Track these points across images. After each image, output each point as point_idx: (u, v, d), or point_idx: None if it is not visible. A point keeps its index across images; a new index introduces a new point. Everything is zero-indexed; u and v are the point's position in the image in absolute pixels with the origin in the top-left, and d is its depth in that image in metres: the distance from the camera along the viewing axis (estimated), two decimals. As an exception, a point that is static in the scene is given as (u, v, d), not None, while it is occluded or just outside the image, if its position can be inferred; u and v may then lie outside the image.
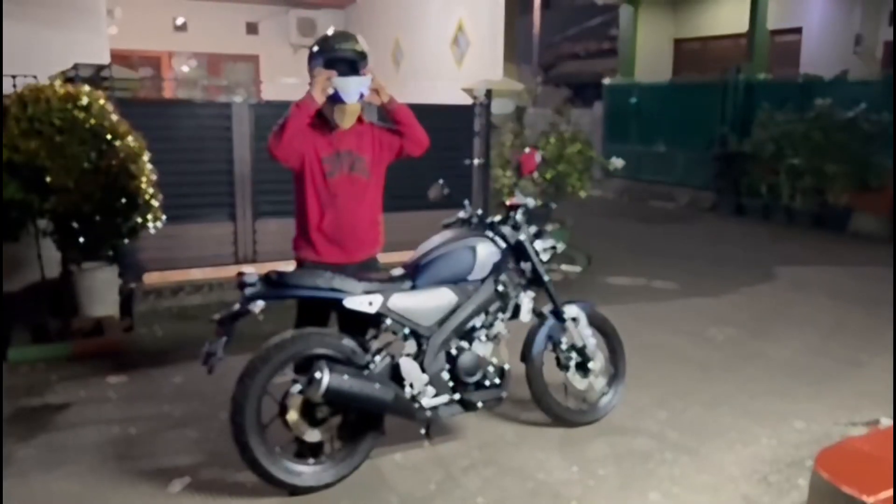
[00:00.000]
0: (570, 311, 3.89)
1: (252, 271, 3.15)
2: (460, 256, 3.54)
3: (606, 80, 15.97)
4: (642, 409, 4.25)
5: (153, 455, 3.61)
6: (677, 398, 4.45)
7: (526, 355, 3.82)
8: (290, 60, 12.89)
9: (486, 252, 3.60)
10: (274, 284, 3.14)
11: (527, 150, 7.00)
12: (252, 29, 12.78)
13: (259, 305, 3.10)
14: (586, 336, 3.92)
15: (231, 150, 6.58)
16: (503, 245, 3.71)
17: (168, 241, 6.12)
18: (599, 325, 4.04)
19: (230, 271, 6.75)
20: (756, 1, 12.55)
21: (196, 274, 6.58)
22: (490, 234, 3.71)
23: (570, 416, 3.93)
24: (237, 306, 3.13)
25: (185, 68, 12.83)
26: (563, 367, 3.92)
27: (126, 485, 3.33)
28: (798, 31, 14.76)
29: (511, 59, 10.16)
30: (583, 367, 3.92)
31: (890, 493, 2.26)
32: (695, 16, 16.85)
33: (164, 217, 5.18)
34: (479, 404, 3.54)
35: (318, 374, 3.06)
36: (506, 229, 3.75)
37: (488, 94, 7.26)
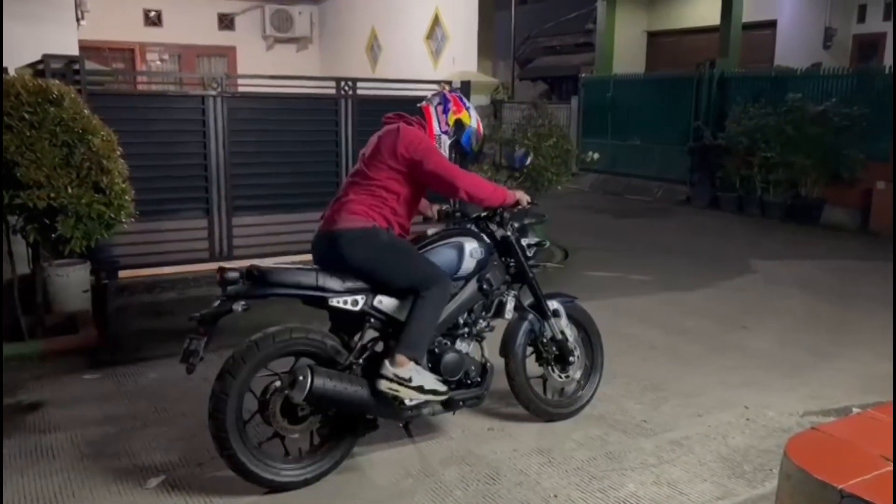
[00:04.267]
0: (552, 305, 3.88)
1: (234, 268, 3.11)
2: (447, 255, 3.51)
3: (583, 75, 16.05)
4: (619, 400, 4.29)
5: (129, 452, 3.57)
6: (653, 389, 4.49)
7: (506, 350, 3.81)
8: (265, 54, 12.79)
9: (473, 250, 3.57)
10: (257, 283, 3.09)
11: (519, 149, 7.04)
12: (227, 22, 12.65)
13: (242, 306, 3.05)
14: (567, 330, 3.92)
15: (205, 145, 6.51)
16: (489, 241, 3.68)
17: (142, 237, 6.04)
18: (579, 318, 4.04)
19: (205, 268, 6.71)
20: (730, -6, 12.67)
21: (171, 271, 6.52)
22: (476, 229, 3.69)
23: (549, 409, 3.94)
24: (217, 302, 3.08)
25: (158, 62, 12.68)
26: (544, 361, 3.92)
27: (102, 483, 3.29)
28: (772, 24, 14.93)
29: (487, 53, 10.15)
30: (562, 361, 3.92)
31: (860, 479, 2.30)
32: (668, 9, 16.98)
33: (137, 213, 5.10)
34: (461, 403, 3.53)
35: (301, 378, 3.03)
36: (492, 225, 3.72)
37: (466, 86, 7.25)
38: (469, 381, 3.57)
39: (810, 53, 13.73)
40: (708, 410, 4.21)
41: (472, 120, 3.63)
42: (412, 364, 3.26)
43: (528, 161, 4.01)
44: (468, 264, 3.56)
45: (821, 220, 10.56)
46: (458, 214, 3.83)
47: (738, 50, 12.99)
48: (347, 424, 3.30)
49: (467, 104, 3.65)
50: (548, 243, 4.03)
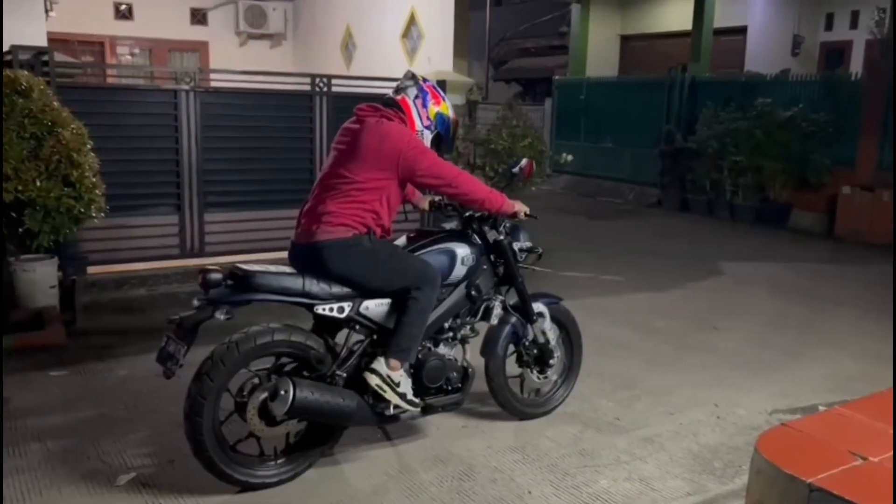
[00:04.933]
0: (537, 308, 3.86)
1: (216, 268, 3.01)
2: (439, 261, 3.44)
3: (556, 77, 16.15)
4: (591, 398, 4.32)
5: (98, 450, 3.51)
6: (625, 388, 4.53)
7: (488, 351, 3.77)
8: (238, 50, 12.67)
9: (465, 257, 3.51)
10: (240, 287, 3.00)
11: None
12: (199, 17, 12.51)
13: (225, 315, 2.97)
14: (550, 333, 3.91)
15: (178, 140, 6.43)
16: (480, 244, 3.62)
17: (111, 232, 5.95)
18: (562, 319, 4.03)
19: (176, 264, 6.63)
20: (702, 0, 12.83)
21: (140, 267, 6.42)
22: (468, 230, 3.63)
23: (525, 408, 3.95)
24: (197, 305, 2.99)
25: (129, 56, 12.49)
26: (524, 363, 3.91)
27: (70, 481, 3.23)
28: (742, 30, 15.17)
29: (463, 53, 10.17)
30: (541, 363, 3.92)
31: (828, 473, 2.34)
32: (641, 13, 17.16)
33: (107, 208, 5.03)
34: (440, 409, 3.51)
35: (283, 392, 2.97)
36: (485, 227, 3.64)
37: (442, 86, 7.25)
38: (450, 388, 3.53)
39: (779, 60, 13.98)
40: (679, 408, 4.26)
41: (450, 109, 3.52)
42: (403, 372, 3.24)
43: (524, 163, 3.88)
44: (459, 271, 3.50)
45: (788, 224, 10.74)
46: (449, 208, 3.72)
47: (709, 55, 13.16)
48: (325, 427, 3.27)
49: (442, 94, 3.53)
50: (541, 249, 3.93)
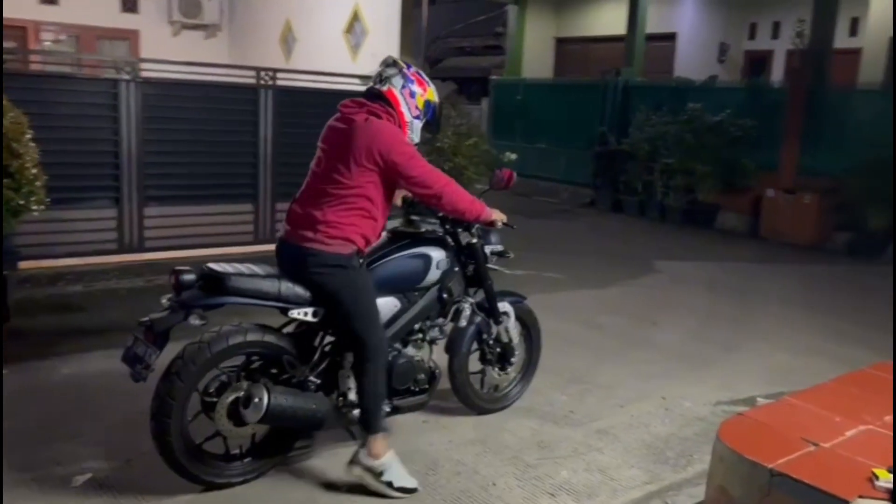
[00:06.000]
0: (502, 307, 3.90)
1: (189, 269, 2.92)
2: (413, 265, 3.43)
3: (494, 77, 16.31)
4: (545, 392, 4.41)
5: (49, 450, 3.37)
6: (576, 382, 4.66)
7: (452, 349, 3.80)
8: (171, 40, 12.27)
9: (440, 262, 3.52)
10: (214, 289, 2.91)
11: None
12: (130, 4, 12.06)
13: (199, 320, 2.89)
14: (513, 332, 3.97)
15: (117, 131, 6.23)
16: (453, 245, 3.63)
17: (45, 226, 5.71)
18: (524, 317, 4.10)
19: (113, 260, 6.42)
20: (635, 6, 13.18)
21: (76, 262, 6.19)
22: (441, 233, 3.62)
23: (485, 403, 4.02)
24: (166, 303, 2.91)
25: (48, 43, 11.93)
26: (487, 360, 3.96)
27: (21, 482, 3.09)
28: (672, 37, 15.69)
29: (408, 51, 10.16)
30: (504, 359, 3.98)
31: (786, 459, 2.49)
32: (576, 17, 17.54)
33: (48, 200, 4.83)
34: (407, 410, 3.53)
35: (256, 399, 2.91)
36: (459, 230, 3.64)
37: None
38: (417, 389, 3.54)
39: (706, 66, 14.53)
40: (628, 401, 4.41)
41: (435, 94, 3.41)
42: (388, 454, 3.17)
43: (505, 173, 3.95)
44: (433, 275, 3.50)
45: (716, 225, 11.19)
46: (422, 205, 3.62)
47: (641, 60, 13.55)
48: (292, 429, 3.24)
49: (426, 78, 3.40)
50: (511, 253, 3.98)
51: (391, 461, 3.18)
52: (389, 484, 3.14)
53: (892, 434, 2.72)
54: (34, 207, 4.64)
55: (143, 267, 6.40)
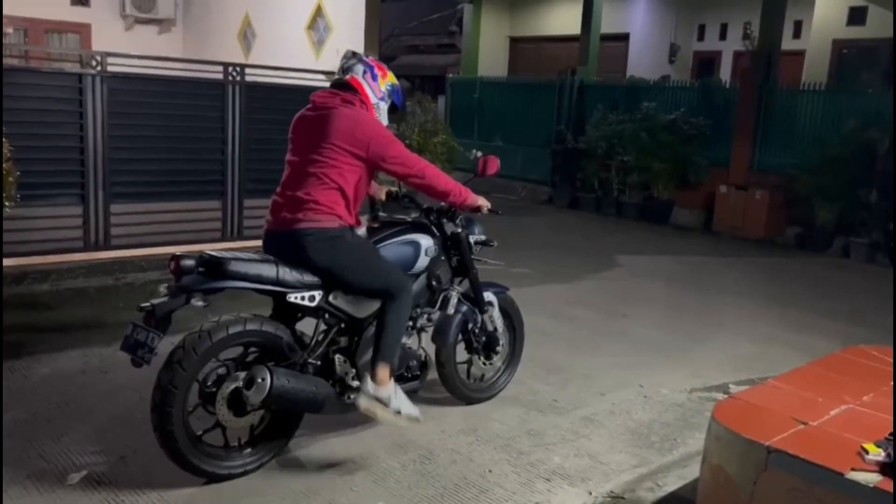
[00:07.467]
0: (487, 297, 3.99)
1: (189, 255, 2.93)
2: (403, 252, 3.49)
3: (450, 76, 16.39)
4: (528, 381, 4.51)
5: (39, 450, 3.31)
6: (556, 372, 4.77)
7: (439, 339, 3.85)
8: (124, 34, 12.01)
9: (429, 248, 3.59)
10: (214, 274, 2.92)
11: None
12: (81, -4, 11.74)
13: (201, 302, 2.90)
14: (498, 322, 4.06)
15: (82, 126, 6.10)
16: (439, 235, 3.70)
17: (9, 224, 5.54)
18: (507, 307, 4.19)
19: (79, 258, 6.28)
20: (590, 6, 13.42)
21: (41, 261, 6.03)
22: (427, 222, 3.68)
23: (472, 393, 4.09)
24: (164, 290, 2.91)
25: (-3, 35, 11.55)
26: (473, 350, 4.04)
27: (15, 481, 3.04)
28: (625, 37, 16.02)
29: (373, 47, 10.16)
30: (489, 349, 4.07)
31: (780, 436, 2.63)
32: (531, 16, 17.73)
33: (18, 196, 4.72)
34: None
35: (260, 380, 2.93)
36: (444, 219, 3.72)
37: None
38: (409, 376, 3.62)
39: (658, 66, 14.90)
40: (608, 389, 4.54)
41: (395, 78, 3.53)
42: (392, 383, 3.24)
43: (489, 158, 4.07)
44: (422, 262, 3.57)
45: (670, 220, 11.51)
46: (406, 199, 3.78)
47: (596, 59, 13.80)
48: (290, 416, 3.26)
49: (384, 64, 3.53)
50: (495, 242, 4.08)
51: (395, 389, 3.27)
52: (398, 412, 3.24)
53: (872, 412, 2.90)
54: (7, 204, 4.53)
55: (110, 264, 6.28)
